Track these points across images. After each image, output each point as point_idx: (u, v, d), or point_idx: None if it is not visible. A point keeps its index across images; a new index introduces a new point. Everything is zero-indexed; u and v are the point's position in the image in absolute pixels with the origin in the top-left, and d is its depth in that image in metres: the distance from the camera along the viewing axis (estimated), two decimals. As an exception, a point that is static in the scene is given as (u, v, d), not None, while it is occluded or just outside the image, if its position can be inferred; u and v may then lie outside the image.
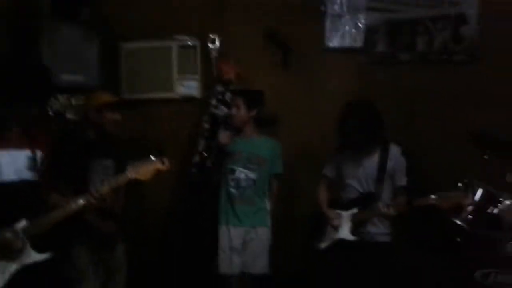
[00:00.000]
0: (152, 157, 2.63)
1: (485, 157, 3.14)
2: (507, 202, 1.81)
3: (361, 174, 3.06)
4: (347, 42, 4.02)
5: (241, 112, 3.28)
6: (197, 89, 3.93)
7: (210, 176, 3.35)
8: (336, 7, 4.04)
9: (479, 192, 3.08)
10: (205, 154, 3.51)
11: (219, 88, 3.74)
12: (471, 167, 3.29)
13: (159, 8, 3.98)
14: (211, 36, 3.86)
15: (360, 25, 4.03)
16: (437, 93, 3.86)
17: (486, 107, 3.72)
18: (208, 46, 3.87)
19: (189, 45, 3.92)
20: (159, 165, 2.63)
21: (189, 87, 3.92)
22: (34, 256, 2.28)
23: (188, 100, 3.94)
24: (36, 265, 2.30)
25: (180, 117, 3.96)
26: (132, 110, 3.76)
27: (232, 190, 3.25)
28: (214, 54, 3.87)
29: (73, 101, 3.41)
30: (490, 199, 3.05)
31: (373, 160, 3.04)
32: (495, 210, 3.01)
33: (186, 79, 3.91)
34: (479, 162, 3.19)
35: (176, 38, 3.92)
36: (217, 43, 3.86)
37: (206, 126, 3.69)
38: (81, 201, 2.43)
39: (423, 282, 3.12)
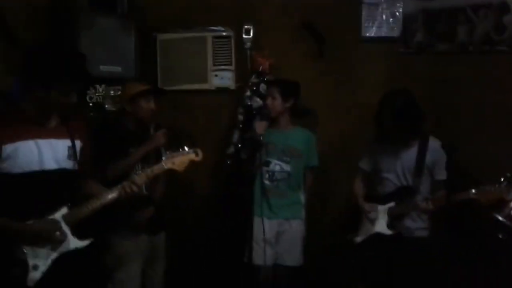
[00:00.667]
0: (187, 148, 2.65)
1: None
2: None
3: (398, 167, 2.99)
4: (384, 32, 3.94)
5: (276, 102, 3.24)
6: (231, 80, 3.92)
7: (244, 167, 3.35)
8: (373, -5, 3.95)
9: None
10: (240, 146, 3.51)
11: (254, 79, 3.72)
12: (513, 161, 3.19)
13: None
14: (246, 26, 3.83)
15: (397, 14, 3.93)
16: (477, 85, 3.75)
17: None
18: (242, 37, 3.85)
19: (223, 36, 3.91)
20: (193, 156, 2.65)
21: (223, 78, 3.92)
22: (74, 243, 2.33)
23: (222, 91, 3.93)
24: (77, 251, 2.34)
25: (215, 108, 3.96)
26: (168, 99, 3.82)
27: (267, 182, 3.24)
28: (248, 45, 3.85)
29: (112, 92, 3.45)
30: (534, 194, 2.94)
31: (411, 153, 2.97)
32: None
33: (220, 70, 3.91)
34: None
35: (211, 29, 3.91)
36: (251, 33, 3.84)
37: (240, 117, 3.69)
38: (116, 192, 2.46)
39: (460, 279, 3.05)
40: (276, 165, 3.24)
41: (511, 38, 3.73)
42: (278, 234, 3.23)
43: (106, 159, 2.78)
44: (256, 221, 3.11)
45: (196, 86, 3.93)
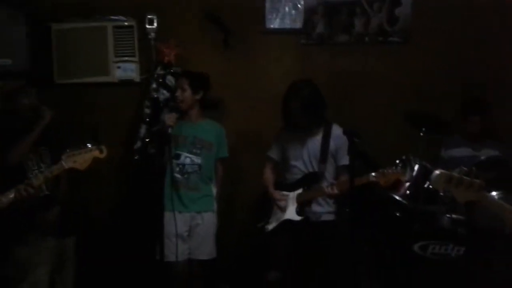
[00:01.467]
0: (89, 145, 2.53)
1: (421, 134, 3.29)
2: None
3: (305, 155, 3.10)
4: (287, 24, 4.03)
5: (186, 94, 3.20)
6: (135, 72, 3.79)
7: (153, 162, 3.26)
8: (275, -13, 4.02)
9: (416, 168, 3.24)
10: (147, 140, 3.42)
11: (159, 70, 3.63)
12: (407, 145, 3.44)
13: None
14: (149, 16, 3.72)
15: (299, 6, 4.04)
16: (374, 74, 3.99)
17: (421, 87, 3.89)
18: (145, 27, 3.73)
19: (125, 26, 3.76)
20: (97, 153, 2.54)
21: (126, 70, 3.78)
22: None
23: (126, 83, 3.79)
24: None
25: (119, 101, 3.82)
26: (67, 93, 3.60)
27: (178, 175, 3.19)
28: (152, 35, 3.74)
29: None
30: (426, 174, 3.21)
31: (316, 141, 3.09)
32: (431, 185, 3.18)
33: (123, 62, 3.76)
34: (415, 140, 3.34)
35: (111, 18, 3.74)
36: (155, 23, 3.73)
37: (147, 110, 3.59)
38: (11, 195, 2.29)
39: (367, 257, 3.24)
40: (187, 158, 3.20)
41: (402, 30, 4.01)
42: (190, 228, 3.21)
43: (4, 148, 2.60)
44: (167, 216, 3.05)
45: (97, 79, 3.75)
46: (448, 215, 3.05)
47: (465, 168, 2.03)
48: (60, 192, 2.86)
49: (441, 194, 3.10)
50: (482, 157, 3.31)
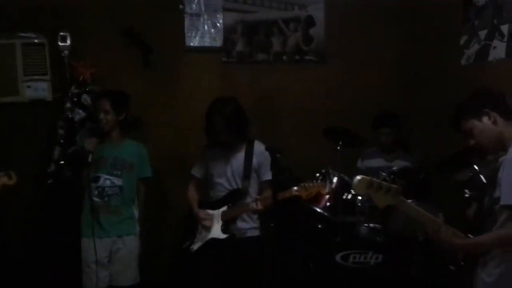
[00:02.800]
0: None
1: (338, 148, 3.42)
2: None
3: (228, 172, 3.10)
4: (207, 42, 4.06)
5: (109, 116, 3.06)
6: (47, 91, 3.62)
7: (69, 186, 3.08)
8: (194, 6, 4.05)
9: (335, 181, 3.36)
10: (62, 162, 3.24)
11: (74, 89, 3.49)
12: (327, 159, 3.56)
13: (2, 2, 3.58)
14: (62, 33, 3.57)
15: (218, 24, 4.09)
16: (294, 91, 4.11)
17: (338, 104, 4.07)
18: (58, 44, 3.57)
19: (35, 43, 3.58)
20: (6, 180, 2.42)
21: (37, 89, 3.59)
22: None
23: (37, 103, 3.60)
24: None
25: (30, 122, 3.60)
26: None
27: (97, 199, 3.04)
28: (65, 53, 3.59)
29: None
30: (344, 186, 3.34)
31: (239, 157, 3.11)
32: (349, 196, 3.31)
33: (34, 81, 3.57)
34: (333, 153, 3.47)
35: (20, 36, 3.55)
36: (68, 41, 3.59)
37: (61, 131, 3.42)
38: None
39: (291, 271, 3.29)
40: (106, 180, 3.07)
41: (317, 49, 4.18)
42: (111, 253, 3.07)
43: None
44: (86, 242, 2.90)
45: (5, 99, 3.53)
46: (366, 225, 3.18)
47: (384, 174, 2.12)
48: None
49: (359, 204, 3.24)
50: (394, 168, 3.50)
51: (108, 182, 3.07)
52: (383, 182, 2.06)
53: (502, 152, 2.08)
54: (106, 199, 3.06)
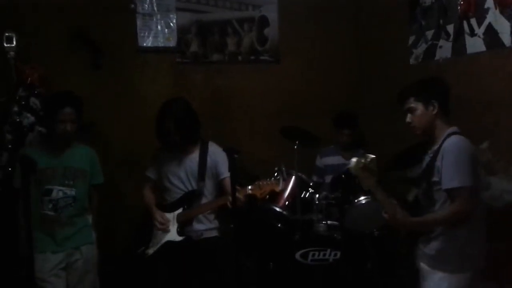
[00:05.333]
0: None
1: (295, 147, 3.44)
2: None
3: (182, 173, 3.06)
4: (161, 42, 4.00)
5: (74, 125, 2.83)
6: (-7, 94, 3.45)
7: (18, 194, 2.88)
8: (146, 6, 3.98)
9: (292, 179, 3.38)
10: (10, 169, 3.08)
11: (22, 92, 3.34)
12: (285, 158, 3.58)
13: None
14: (7, 34, 3.41)
15: (172, 25, 4.04)
16: (250, 91, 4.11)
17: (293, 103, 4.10)
18: (3, 46, 3.42)
19: (-22, 45, 3.41)
20: None
21: (-18, 92, 3.42)
22: None
23: (-18, 107, 3.43)
24: None
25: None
26: None
27: (50, 213, 2.85)
28: (11, 54, 3.43)
29: None
30: (301, 185, 3.37)
31: (193, 159, 3.07)
32: (307, 194, 3.34)
33: (-23, 84, 3.41)
34: (291, 152, 3.49)
35: (-38, 36, 3.38)
36: (14, 42, 3.43)
37: (9, 136, 3.26)
38: None
39: (250, 270, 3.28)
40: (59, 192, 2.87)
41: (271, 49, 4.20)
42: (68, 264, 2.90)
43: None
44: (39, 258, 2.73)
45: None
46: (324, 222, 3.22)
47: (372, 156, 2.33)
48: None
49: (317, 202, 3.27)
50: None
51: (61, 194, 2.87)
52: (374, 168, 2.31)
53: (425, 138, 2.42)
54: (60, 211, 2.87)
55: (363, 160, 2.32)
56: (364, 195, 3.17)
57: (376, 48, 4.08)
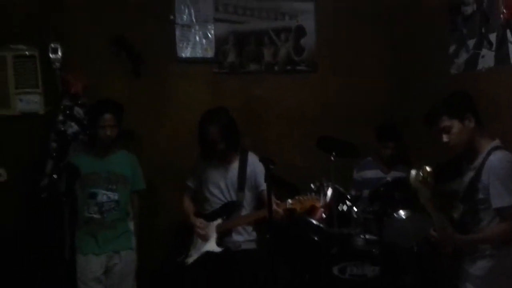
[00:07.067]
0: None
1: (332, 158, 3.43)
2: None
3: (222, 183, 3.10)
4: (199, 53, 4.05)
5: (114, 131, 3.02)
6: (39, 104, 3.57)
7: (62, 200, 3.02)
8: (185, 17, 4.04)
9: (329, 192, 3.36)
10: (55, 176, 3.19)
11: (66, 102, 3.44)
12: (320, 169, 3.57)
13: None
14: (53, 45, 3.53)
15: (210, 35, 4.08)
16: (286, 101, 4.12)
17: (330, 113, 4.09)
18: (49, 56, 3.53)
19: (26, 55, 3.53)
20: None
21: (29, 102, 3.54)
22: None
23: (29, 116, 3.55)
24: None
25: (22, 136, 3.54)
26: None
27: (95, 216, 3.00)
28: (57, 65, 3.54)
29: None
30: (339, 197, 3.35)
31: (233, 169, 3.10)
32: (344, 207, 3.32)
33: (25, 94, 3.52)
34: (326, 163, 3.48)
35: (11, 47, 3.50)
36: (60, 52, 3.54)
37: (54, 145, 3.36)
38: None
39: (287, 283, 3.28)
40: (104, 196, 3.02)
41: (308, 59, 4.20)
42: (107, 269, 3.02)
43: None
44: (82, 259, 2.86)
45: (-4, 112, 3.48)
46: (362, 236, 3.19)
47: (431, 169, 2.27)
48: None
49: (355, 216, 3.25)
50: (388, 178, 3.52)
51: (105, 198, 3.02)
52: (431, 181, 2.26)
53: (465, 151, 2.37)
54: (105, 214, 3.02)
55: (421, 173, 2.27)
56: (403, 209, 3.13)
57: (416, 57, 4.03)
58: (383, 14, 4.19)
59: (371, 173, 3.76)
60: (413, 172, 2.31)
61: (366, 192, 3.55)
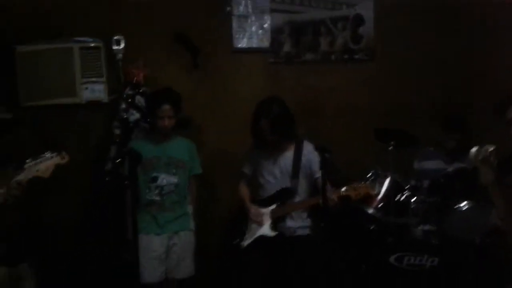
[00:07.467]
0: (50, 154, 2.48)
1: (390, 148, 3.35)
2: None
3: (277, 171, 3.12)
4: (255, 43, 4.08)
5: (172, 120, 3.14)
6: (104, 93, 3.73)
7: (125, 183, 3.17)
8: (242, 8, 4.08)
9: (387, 182, 3.30)
10: (118, 161, 3.34)
11: (128, 91, 3.59)
12: (375, 159, 3.50)
13: (57, 8, 3.74)
14: (116, 37, 3.68)
15: (265, 26, 4.11)
16: (342, 91, 4.07)
17: (388, 102, 3.99)
18: (112, 48, 3.69)
19: (92, 47, 3.71)
20: (58, 159, 2.48)
21: (94, 91, 3.72)
22: None
23: (94, 104, 3.73)
24: None
25: (88, 123, 3.75)
26: (30, 116, 3.50)
27: (156, 198, 3.14)
28: (119, 56, 3.69)
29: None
30: (396, 187, 3.27)
31: (287, 157, 3.11)
32: (402, 197, 3.24)
33: (90, 83, 3.70)
34: (383, 153, 3.41)
35: (77, 40, 3.70)
36: (122, 44, 3.69)
37: (117, 131, 3.52)
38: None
39: (342, 270, 3.25)
40: (164, 179, 3.15)
41: (366, 47, 4.13)
42: (167, 248, 3.15)
43: None
44: (144, 238, 3.01)
45: (64, 100, 3.67)
46: (420, 227, 3.10)
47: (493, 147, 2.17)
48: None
49: (412, 206, 3.16)
50: (450, 169, 3.39)
51: (165, 181, 3.15)
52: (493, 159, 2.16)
53: None
54: (164, 197, 3.15)
55: (483, 151, 2.18)
56: (464, 201, 3.01)
57: (479, 47, 3.85)
58: (447, 4, 4.04)
59: (432, 164, 3.63)
60: (474, 149, 2.22)
61: (426, 183, 3.44)
